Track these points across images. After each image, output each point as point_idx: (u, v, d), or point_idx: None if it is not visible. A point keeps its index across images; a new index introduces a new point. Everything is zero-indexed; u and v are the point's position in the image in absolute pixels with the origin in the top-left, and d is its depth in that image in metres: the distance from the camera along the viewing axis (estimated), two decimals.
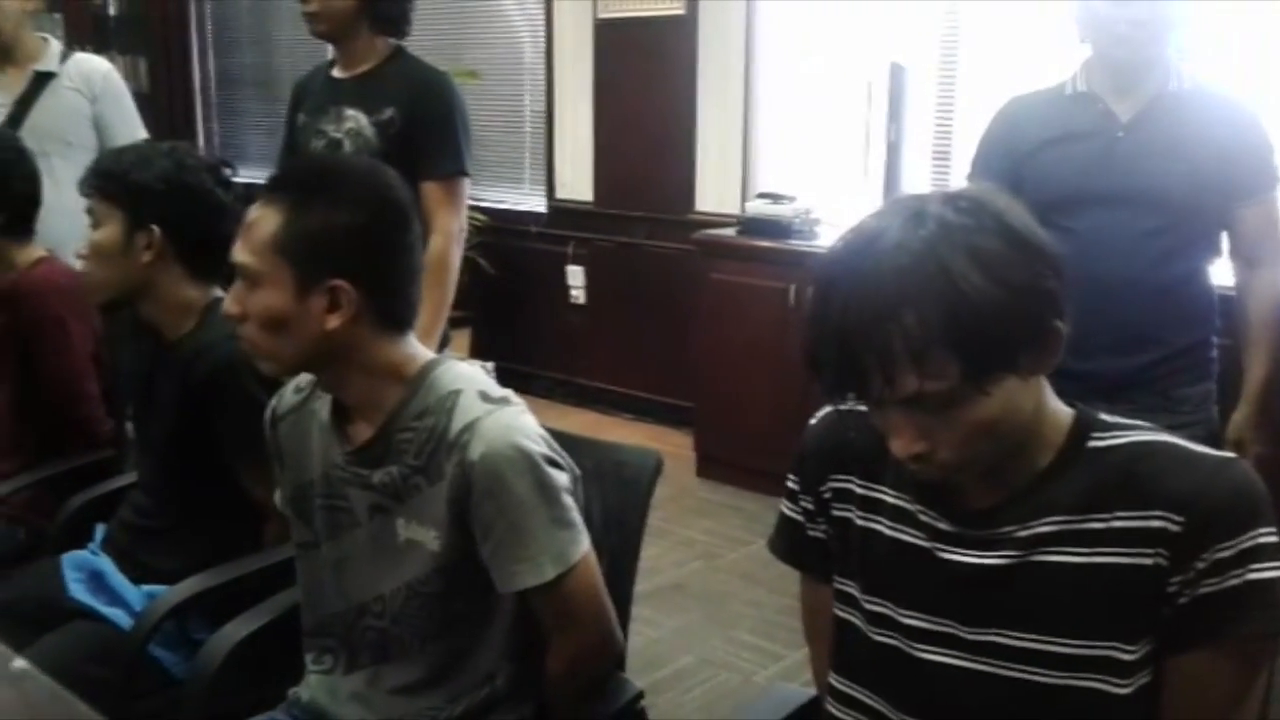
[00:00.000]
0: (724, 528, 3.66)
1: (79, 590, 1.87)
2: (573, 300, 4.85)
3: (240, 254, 1.36)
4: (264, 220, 1.35)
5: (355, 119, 2.59)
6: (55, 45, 3.07)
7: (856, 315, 0.96)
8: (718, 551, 3.50)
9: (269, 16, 5.93)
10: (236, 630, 1.62)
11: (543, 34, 4.81)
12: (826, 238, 3.77)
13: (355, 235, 1.35)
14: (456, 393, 1.36)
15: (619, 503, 1.56)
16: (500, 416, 1.34)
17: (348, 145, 2.59)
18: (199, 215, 1.85)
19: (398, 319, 1.40)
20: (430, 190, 2.51)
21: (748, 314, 3.87)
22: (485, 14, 5.05)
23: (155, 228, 1.82)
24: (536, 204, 4.99)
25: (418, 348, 1.43)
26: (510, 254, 4.89)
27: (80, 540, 2.05)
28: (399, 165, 2.37)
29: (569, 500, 1.35)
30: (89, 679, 1.48)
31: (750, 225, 3.96)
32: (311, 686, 1.52)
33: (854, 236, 1.01)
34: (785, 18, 4.18)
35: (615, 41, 4.55)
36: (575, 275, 4.83)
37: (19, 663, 1.27)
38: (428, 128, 2.56)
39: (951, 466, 1.02)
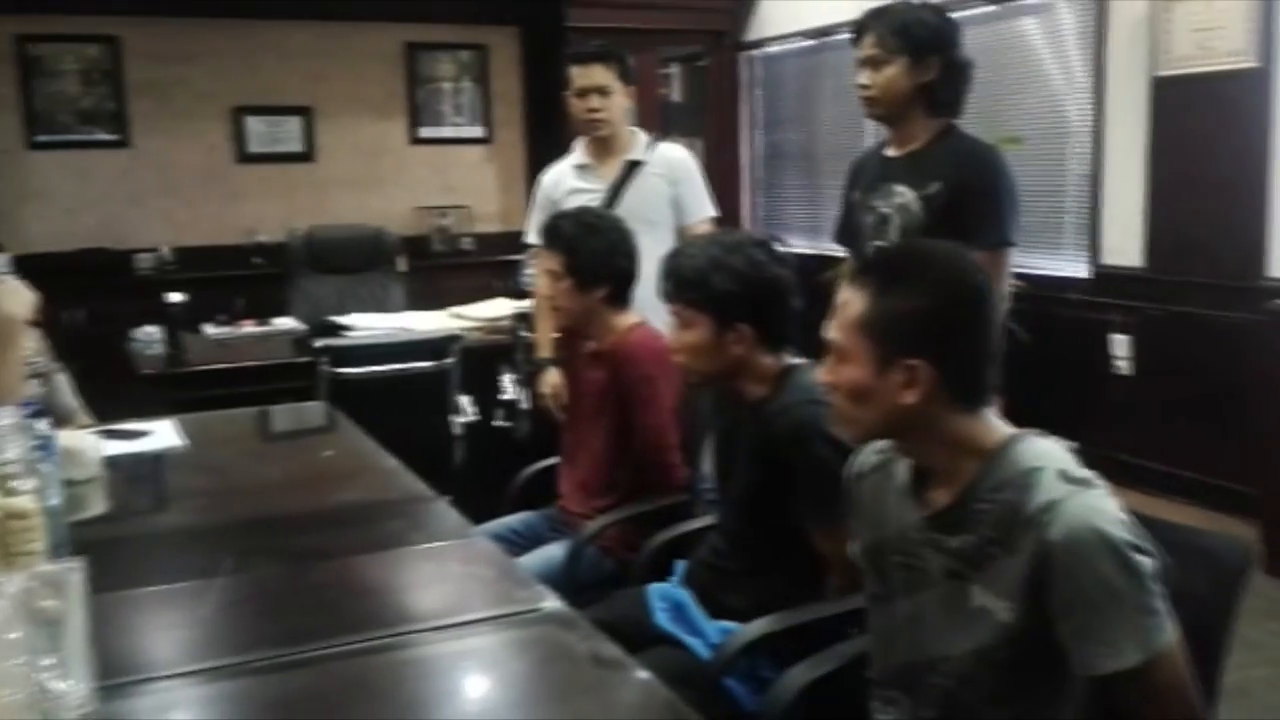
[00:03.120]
0: None
1: (664, 619, 2.12)
2: (1115, 371, 4.61)
3: (831, 330, 1.50)
4: (853, 302, 1.47)
5: (904, 195, 2.70)
6: (643, 136, 3.50)
7: None
8: None
9: (814, 98, 6.28)
10: (806, 673, 1.75)
11: (1088, 95, 4.66)
12: None
13: (933, 319, 1.43)
14: (1037, 470, 1.38)
15: (1203, 594, 1.49)
16: (1083, 499, 1.35)
17: (895, 220, 2.70)
18: (775, 303, 2.04)
19: (973, 396, 1.46)
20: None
21: None
22: (1027, 78, 4.99)
23: (743, 326, 2.02)
24: (1077, 269, 4.81)
25: (996, 422, 1.48)
26: (1047, 321, 4.74)
27: (659, 573, 2.32)
28: (944, 236, 2.47)
29: (1155, 587, 1.32)
30: None
31: None
32: None
33: None
34: None
35: (1175, 99, 4.30)
36: (1120, 344, 4.58)
37: (642, 673, 1.48)
38: (973, 199, 2.62)
39: None
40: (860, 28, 2.71)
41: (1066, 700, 1.40)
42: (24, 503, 1.58)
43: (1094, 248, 4.72)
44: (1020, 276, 4.75)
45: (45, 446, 1.81)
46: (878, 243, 2.74)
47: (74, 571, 1.38)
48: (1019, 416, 1.54)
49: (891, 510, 1.56)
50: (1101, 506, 1.35)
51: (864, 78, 2.70)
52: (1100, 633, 1.32)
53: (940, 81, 2.67)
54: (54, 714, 1.01)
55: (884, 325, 1.43)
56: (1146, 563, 1.33)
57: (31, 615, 1.27)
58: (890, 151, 2.81)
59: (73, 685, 1.08)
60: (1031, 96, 4.98)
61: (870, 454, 1.63)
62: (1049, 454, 1.41)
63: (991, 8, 5.04)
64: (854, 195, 2.89)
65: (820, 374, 1.54)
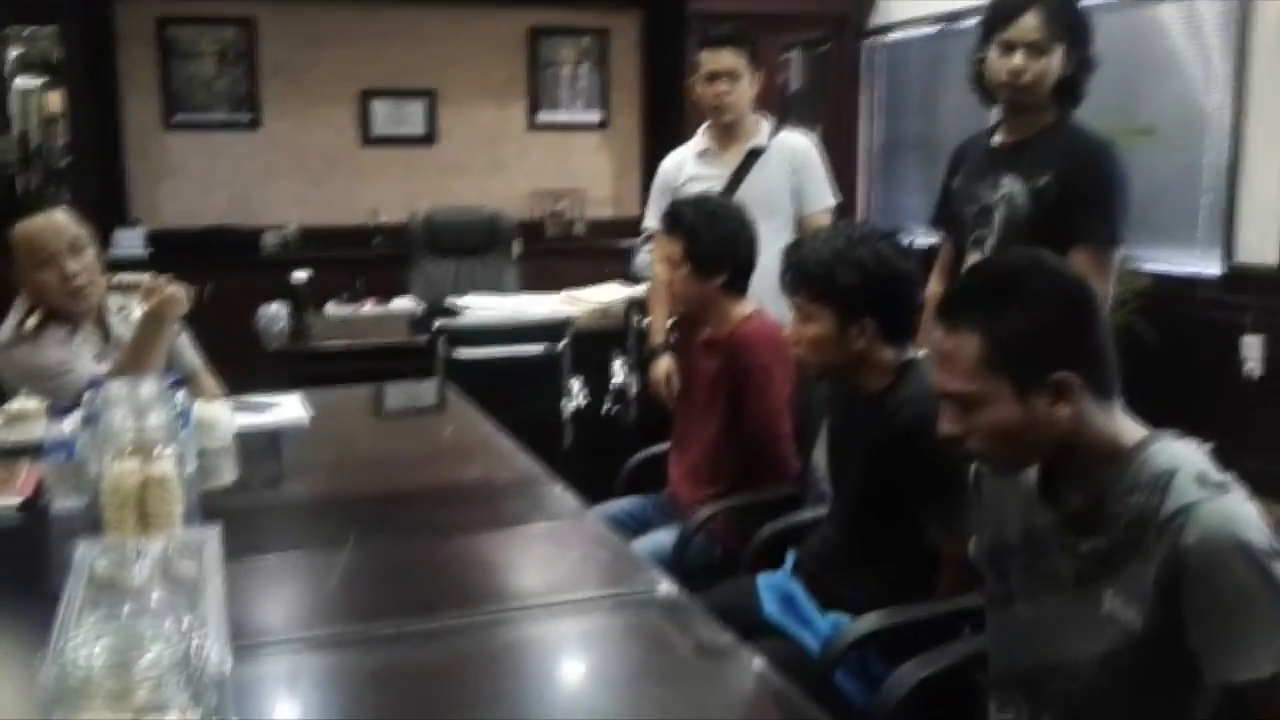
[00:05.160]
0: None
1: (773, 609, 2.12)
2: (1246, 374, 4.43)
3: (949, 383, 1.44)
4: (961, 346, 1.41)
5: (1010, 185, 2.60)
6: (767, 124, 3.48)
7: None
8: None
9: (936, 85, 6.16)
10: (917, 670, 1.73)
11: (1227, 87, 4.48)
12: None
13: (1060, 324, 1.40)
14: (1171, 473, 1.35)
15: None
16: (1220, 503, 1.31)
17: (999, 211, 2.61)
18: (900, 297, 2.01)
19: (1109, 387, 1.43)
20: (1079, 258, 2.42)
21: None
22: (1162, 69, 4.82)
23: (866, 319, 2.00)
24: (1208, 267, 4.63)
25: (1130, 423, 1.44)
26: (1175, 321, 4.59)
27: (768, 563, 2.32)
28: (1050, 231, 2.39)
29: None
30: None
31: None
32: None
33: None
34: None
35: None
36: (1252, 346, 4.40)
37: (756, 662, 1.48)
38: (1085, 195, 2.50)
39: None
40: (1018, 7, 2.52)
41: (1193, 712, 1.36)
42: (164, 469, 1.66)
43: (1228, 245, 4.53)
44: (1146, 273, 4.62)
45: (183, 416, 1.89)
46: (978, 233, 2.65)
47: (211, 536, 1.45)
48: (1143, 419, 1.50)
49: (1017, 512, 1.53)
50: (1240, 511, 1.31)
51: (1018, 59, 2.51)
52: (1234, 641, 1.28)
53: (1077, 74, 2.58)
54: (199, 673, 1.06)
55: (1013, 352, 1.39)
56: None
57: (171, 577, 1.33)
58: (998, 139, 2.69)
59: (213, 646, 1.12)
60: (1166, 87, 4.80)
61: None
62: (1185, 456, 1.38)
63: None
64: (955, 182, 2.78)
65: (945, 426, 1.48)
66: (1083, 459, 1.43)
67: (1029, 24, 2.51)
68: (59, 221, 2.58)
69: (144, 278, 2.60)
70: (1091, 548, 1.41)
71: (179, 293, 2.55)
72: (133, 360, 2.48)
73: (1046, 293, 1.42)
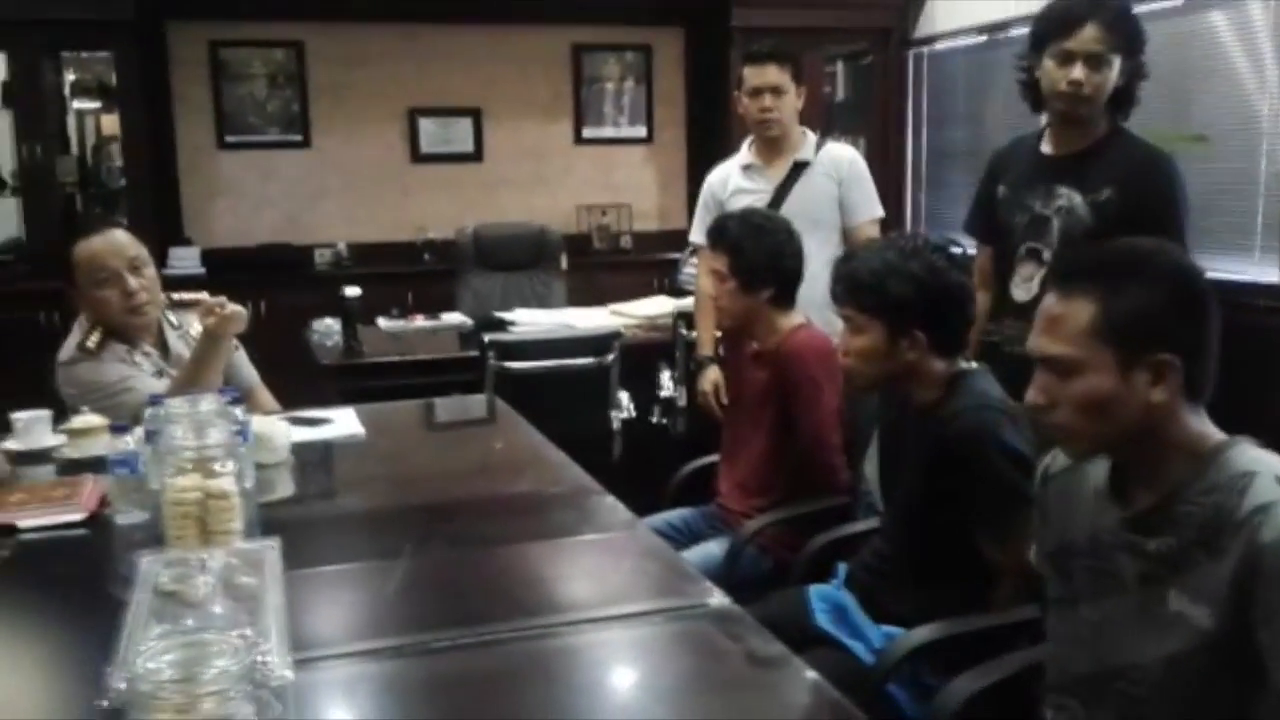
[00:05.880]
0: None
1: (825, 620, 2.11)
2: None
3: (1051, 347, 1.45)
4: (1074, 311, 1.43)
5: (1068, 197, 2.57)
6: (812, 137, 3.48)
7: None
8: None
9: (982, 95, 6.12)
10: (972, 682, 1.73)
11: None
12: None
13: (1175, 310, 1.41)
14: (1251, 474, 1.35)
15: None
16: None
17: (1056, 223, 2.58)
18: (951, 310, 2.00)
19: (1204, 390, 1.44)
20: None
21: None
22: (1214, 75, 4.75)
23: (918, 332, 1.99)
24: (1266, 274, 4.56)
25: (1212, 426, 1.44)
26: (1233, 330, 4.51)
27: (818, 574, 2.31)
28: None
29: None
30: None
31: None
32: None
33: None
34: None
35: None
36: None
37: (809, 673, 1.48)
38: (1150, 209, 2.47)
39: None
40: (1078, 18, 2.48)
41: (1255, 713, 1.35)
42: (224, 484, 1.69)
43: None
44: None
45: (242, 432, 1.93)
46: (1031, 244, 2.62)
47: (271, 549, 1.47)
48: None
49: (1083, 512, 1.53)
50: None
51: (1078, 73, 2.48)
52: None
53: (1131, 84, 2.56)
54: (262, 684, 1.08)
55: (1125, 324, 1.40)
56: None
57: (233, 590, 1.36)
58: (1048, 149, 2.66)
59: (275, 657, 1.14)
60: (1219, 94, 4.74)
61: (1063, 455, 1.59)
62: (1264, 460, 1.38)
63: (1178, 1, 4.82)
64: (998, 190, 2.74)
65: (1031, 395, 1.49)
66: (1159, 455, 1.43)
67: (1090, 35, 2.48)
68: (119, 240, 2.64)
69: (202, 295, 2.66)
70: (1159, 547, 1.41)
71: (238, 311, 2.60)
72: (192, 377, 2.53)
73: (1170, 276, 1.44)
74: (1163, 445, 1.42)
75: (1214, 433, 1.44)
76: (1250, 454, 1.39)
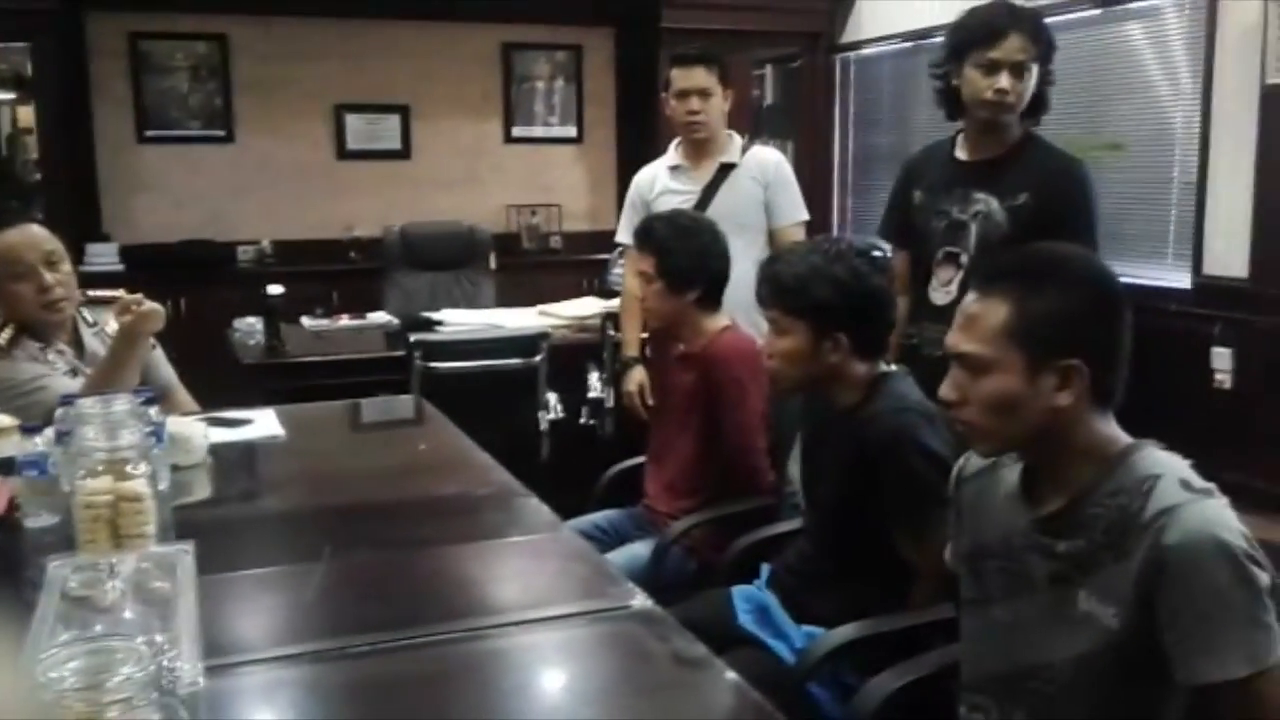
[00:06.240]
0: None
1: (748, 620, 2.13)
2: (1216, 385, 4.48)
3: (964, 344, 1.48)
4: (989, 312, 1.46)
5: (985, 202, 2.64)
6: (738, 139, 3.50)
7: None
8: None
9: (908, 100, 6.22)
10: (890, 681, 1.75)
11: (1194, 102, 4.54)
12: None
13: (1087, 316, 1.44)
14: (1156, 477, 1.38)
15: None
16: (1202, 507, 1.34)
17: (974, 227, 2.64)
18: (875, 313, 2.03)
19: (1111, 396, 1.46)
20: None
21: None
22: (1130, 84, 4.88)
23: (840, 335, 2.01)
24: (1178, 280, 4.69)
25: (1119, 430, 1.48)
26: (1146, 332, 4.60)
27: (743, 576, 2.33)
28: None
29: (1268, 601, 1.31)
30: None
31: None
32: None
33: None
34: None
35: None
36: (1222, 358, 4.45)
37: (729, 674, 1.49)
38: (1064, 213, 2.55)
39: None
40: (1001, 28, 2.54)
41: (1165, 713, 1.39)
42: (137, 486, 1.65)
43: (1197, 258, 4.59)
44: None
45: (157, 433, 1.89)
46: (949, 249, 2.68)
47: (185, 554, 1.44)
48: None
49: (996, 514, 1.56)
50: (1221, 516, 1.34)
51: (1004, 81, 2.54)
52: (1207, 641, 1.30)
53: (1043, 90, 2.63)
54: (171, 691, 1.06)
55: (1037, 328, 1.43)
56: (1263, 576, 1.32)
57: (144, 595, 1.33)
58: (961, 154, 2.73)
59: (186, 664, 1.12)
60: (1134, 102, 4.86)
61: (976, 457, 1.62)
62: (1169, 463, 1.42)
63: (1094, 11, 4.94)
64: (914, 196, 2.80)
65: (944, 390, 1.52)
66: (1066, 458, 1.46)
67: (1014, 44, 2.54)
68: (35, 234, 2.57)
69: (119, 293, 2.60)
70: (1068, 549, 1.44)
71: (155, 309, 2.55)
72: (107, 376, 2.47)
73: (1086, 282, 1.47)
74: (1070, 448, 1.45)
75: (1121, 436, 1.47)
76: (1155, 457, 1.43)
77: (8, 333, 2.53)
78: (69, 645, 1.08)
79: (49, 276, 2.52)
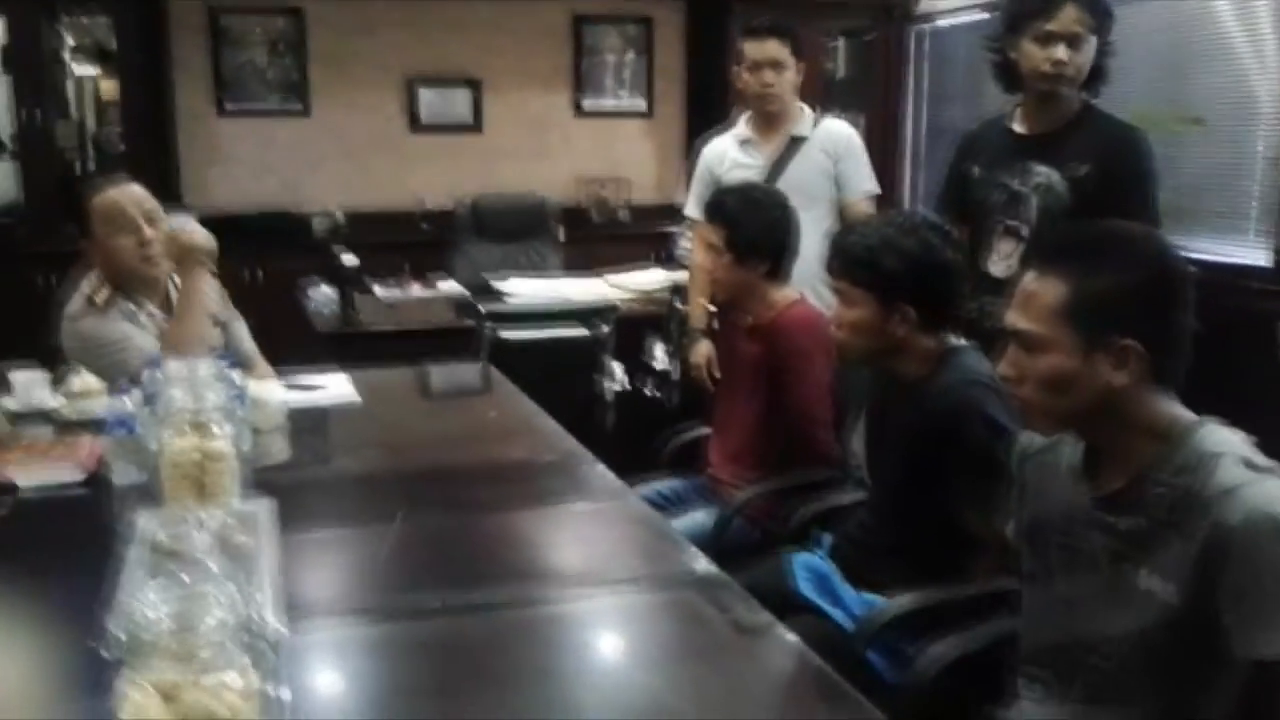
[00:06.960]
0: None
1: (807, 588, 2.15)
2: None
3: (1021, 322, 1.48)
4: (1046, 288, 1.45)
5: (1046, 175, 2.62)
6: (809, 112, 3.49)
7: None
8: None
9: (982, 73, 6.08)
10: (949, 650, 1.77)
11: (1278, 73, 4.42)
12: None
13: (1143, 296, 1.43)
14: (1218, 455, 1.38)
15: None
16: (1265, 486, 1.34)
17: (1034, 200, 2.63)
18: (945, 287, 2.03)
19: (1172, 376, 1.46)
20: None
21: None
22: (1211, 56, 4.76)
23: (907, 307, 2.02)
24: (1257, 257, 4.58)
25: (1180, 408, 1.47)
26: (1222, 311, 4.52)
27: (804, 543, 2.35)
28: (1090, 219, 2.40)
29: None
30: None
31: None
32: (1019, 710, 1.61)
33: None
34: None
35: None
36: None
37: (793, 639, 1.52)
38: (1126, 184, 2.55)
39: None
40: (1056, 0, 2.54)
41: (1219, 692, 1.39)
42: (221, 446, 1.72)
43: (1279, 235, 4.48)
44: (1196, 264, 4.56)
45: (239, 395, 1.95)
46: (1009, 222, 2.66)
47: (265, 510, 1.50)
48: (1185, 406, 1.51)
49: (1057, 490, 1.56)
50: None
51: (1061, 53, 2.54)
52: (1268, 618, 1.31)
53: (1102, 62, 2.60)
54: (257, 640, 1.11)
55: (1092, 308, 1.42)
56: None
57: (228, 549, 1.39)
58: (1019, 128, 2.72)
59: (269, 612, 1.17)
60: (1216, 75, 4.74)
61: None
62: (1231, 442, 1.41)
63: None
64: (971, 169, 2.79)
65: (1002, 368, 1.53)
66: (1127, 437, 1.45)
67: (1071, 16, 2.54)
68: (136, 191, 2.65)
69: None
70: (1129, 527, 1.44)
71: (195, 239, 2.62)
72: (177, 317, 2.55)
73: (1146, 263, 1.46)
74: (1129, 427, 1.45)
75: (1183, 415, 1.46)
76: (1217, 435, 1.42)
77: (105, 292, 2.61)
78: (161, 591, 1.14)
79: (149, 230, 2.61)
